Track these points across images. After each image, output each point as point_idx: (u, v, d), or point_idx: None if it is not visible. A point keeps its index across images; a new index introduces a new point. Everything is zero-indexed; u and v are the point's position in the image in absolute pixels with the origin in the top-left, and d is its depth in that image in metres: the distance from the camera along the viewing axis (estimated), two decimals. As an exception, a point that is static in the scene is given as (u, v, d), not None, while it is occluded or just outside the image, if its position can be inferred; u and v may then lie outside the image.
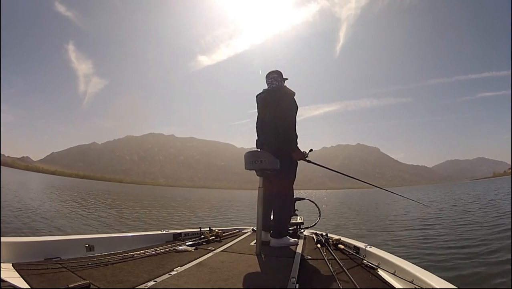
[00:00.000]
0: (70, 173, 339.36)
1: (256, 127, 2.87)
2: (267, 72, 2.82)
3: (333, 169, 3.25)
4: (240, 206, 20.49)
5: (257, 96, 2.85)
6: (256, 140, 2.87)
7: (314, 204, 3.74)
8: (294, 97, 2.71)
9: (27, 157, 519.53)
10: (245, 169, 2.37)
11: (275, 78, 2.77)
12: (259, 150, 2.56)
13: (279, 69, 2.81)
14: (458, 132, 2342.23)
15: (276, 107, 2.60)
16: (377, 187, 4.16)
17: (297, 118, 2.70)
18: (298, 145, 2.65)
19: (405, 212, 12.94)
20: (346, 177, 3.34)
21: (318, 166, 2.94)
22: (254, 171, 2.33)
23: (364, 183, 3.62)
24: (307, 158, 2.68)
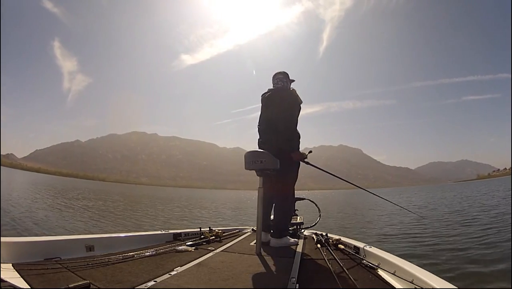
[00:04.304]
0: (53, 171, 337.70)
1: (258, 126, 2.84)
2: (274, 73, 2.84)
3: (331, 173, 3.25)
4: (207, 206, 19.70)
5: (262, 96, 2.84)
6: (258, 139, 2.83)
7: (314, 204, 3.78)
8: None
9: (11, 154, 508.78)
10: (245, 169, 2.36)
11: (281, 78, 2.79)
12: (259, 149, 2.53)
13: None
14: (442, 135, 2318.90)
15: (279, 107, 2.61)
16: (365, 190, 3.86)
17: None
18: (298, 145, 2.65)
19: (387, 211, 12.76)
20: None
21: (315, 168, 2.87)
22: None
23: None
24: (306, 160, 2.67)
